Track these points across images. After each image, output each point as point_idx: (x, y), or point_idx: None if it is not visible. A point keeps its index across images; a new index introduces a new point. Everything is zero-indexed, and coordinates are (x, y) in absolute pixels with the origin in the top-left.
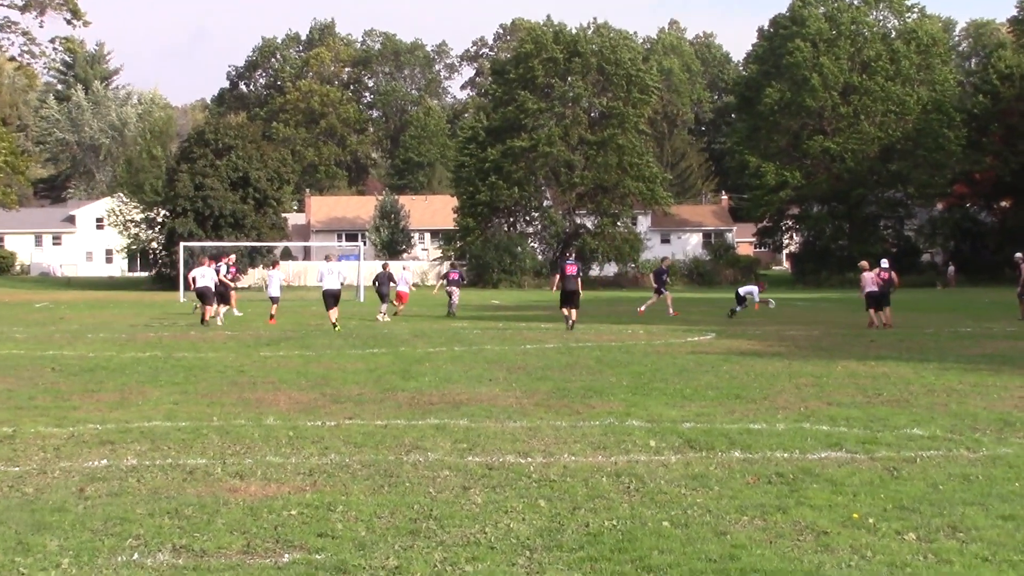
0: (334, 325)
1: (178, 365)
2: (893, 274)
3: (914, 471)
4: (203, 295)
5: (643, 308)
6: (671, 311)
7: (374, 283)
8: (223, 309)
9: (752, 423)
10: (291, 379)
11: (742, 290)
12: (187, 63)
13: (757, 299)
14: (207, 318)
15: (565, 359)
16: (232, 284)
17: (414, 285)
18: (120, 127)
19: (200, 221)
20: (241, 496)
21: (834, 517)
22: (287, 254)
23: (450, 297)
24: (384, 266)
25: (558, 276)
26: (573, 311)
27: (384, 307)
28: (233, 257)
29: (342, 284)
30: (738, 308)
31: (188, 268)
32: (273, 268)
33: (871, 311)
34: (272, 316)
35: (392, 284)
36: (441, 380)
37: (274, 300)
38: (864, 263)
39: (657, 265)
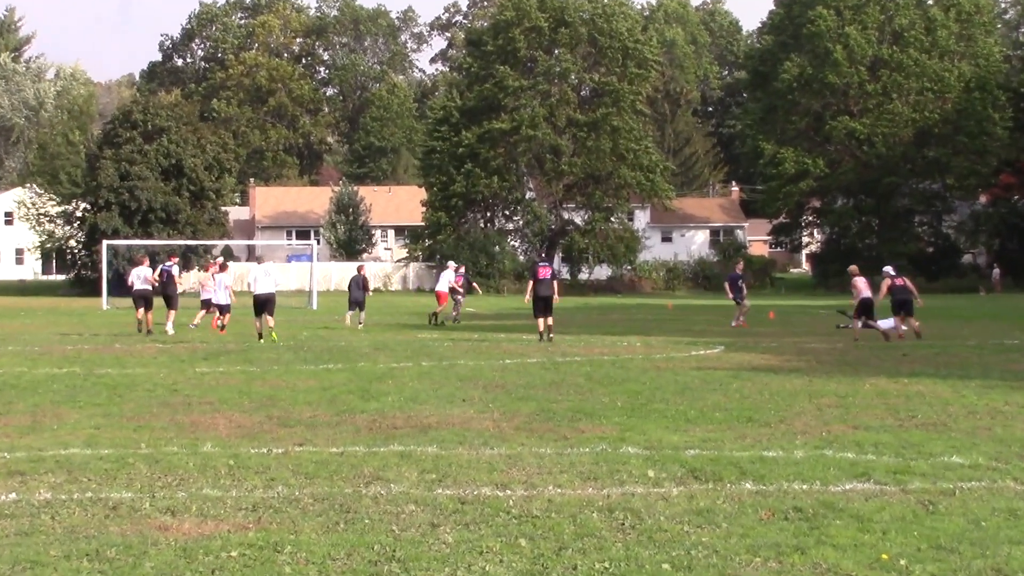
0: (260, 335)
1: (100, 383)
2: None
3: (952, 505)
4: (144, 298)
5: (735, 323)
6: (734, 322)
7: (349, 287)
8: (171, 315)
9: (766, 450)
10: (232, 399)
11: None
12: (113, 32)
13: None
14: (149, 326)
15: (550, 376)
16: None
17: (375, 289)
18: (36, 107)
19: (126, 216)
20: (173, 535)
21: (860, 559)
22: (228, 253)
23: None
24: (359, 268)
25: (532, 282)
26: (548, 319)
27: (349, 314)
28: (221, 259)
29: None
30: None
31: (112, 269)
32: (222, 271)
33: (856, 322)
34: (222, 325)
35: (367, 293)
36: (406, 400)
37: (224, 309)
38: (854, 267)
39: (731, 270)
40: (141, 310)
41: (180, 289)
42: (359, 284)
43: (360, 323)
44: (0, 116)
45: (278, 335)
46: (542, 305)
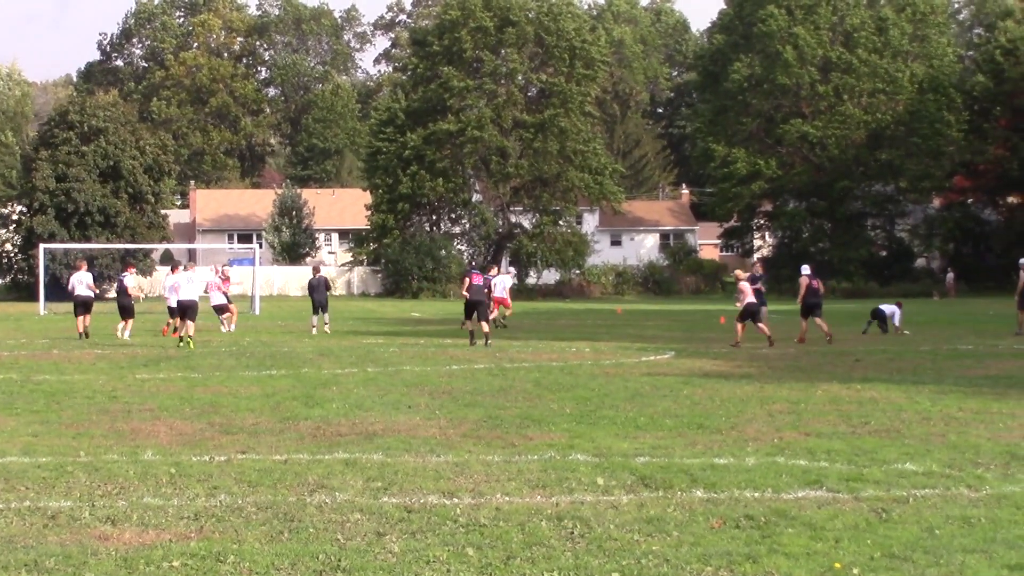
0: (180, 339)
1: (38, 390)
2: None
3: (906, 513)
4: (85, 304)
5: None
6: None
7: (311, 291)
8: (130, 323)
9: (717, 457)
10: (173, 406)
11: (885, 308)
12: (48, 31)
13: (897, 322)
14: (87, 329)
15: (498, 382)
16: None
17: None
18: None
19: (63, 219)
20: (113, 545)
21: (813, 567)
22: (168, 257)
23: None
24: (316, 270)
25: (465, 287)
26: (484, 324)
27: (315, 318)
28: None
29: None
30: (869, 326)
31: (48, 273)
32: (173, 272)
33: (740, 326)
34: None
35: (329, 291)
36: (351, 407)
37: (172, 312)
38: (739, 272)
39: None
40: (81, 316)
41: (136, 299)
42: (323, 286)
43: (326, 325)
44: None
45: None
46: (471, 310)
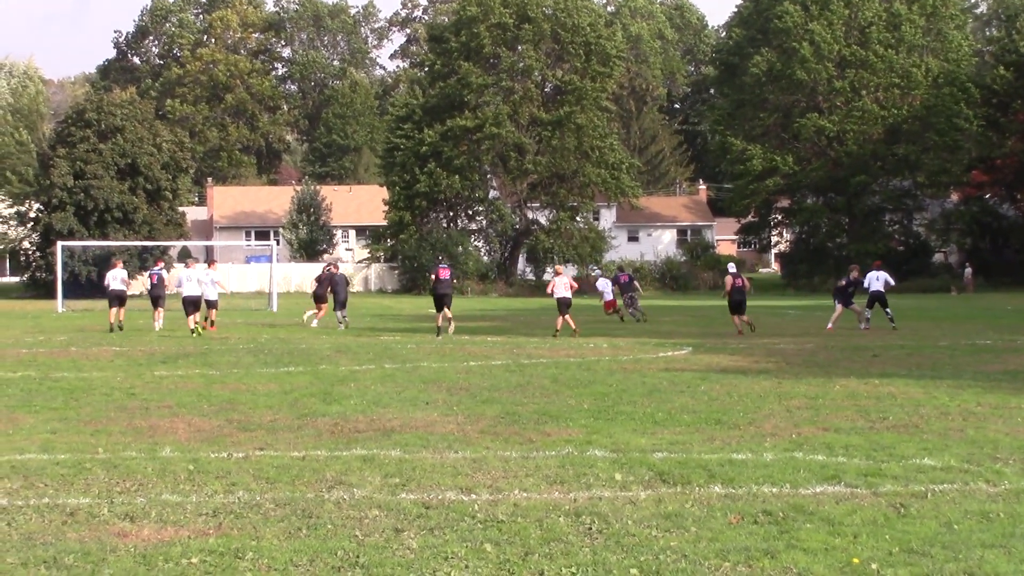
0: (192, 330)
1: (56, 387)
2: (745, 279)
3: (924, 508)
4: (119, 297)
5: (863, 326)
6: (829, 324)
7: (325, 287)
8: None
9: (735, 452)
10: (191, 403)
11: (876, 285)
12: (66, 29)
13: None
14: (121, 321)
15: (515, 378)
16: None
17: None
18: None
19: (82, 216)
20: (132, 541)
21: (831, 562)
22: (186, 254)
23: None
24: (335, 267)
25: (432, 281)
26: (448, 313)
27: (340, 313)
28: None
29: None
30: (868, 317)
31: (67, 270)
32: (188, 268)
33: (735, 318)
34: (212, 322)
35: (349, 288)
36: (369, 403)
37: (211, 305)
38: (595, 272)
39: (846, 275)
40: (115, 309)
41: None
42: (344, 282)
43: (342, 321)
44: None
45: (227, 335)
46: (438, 302)
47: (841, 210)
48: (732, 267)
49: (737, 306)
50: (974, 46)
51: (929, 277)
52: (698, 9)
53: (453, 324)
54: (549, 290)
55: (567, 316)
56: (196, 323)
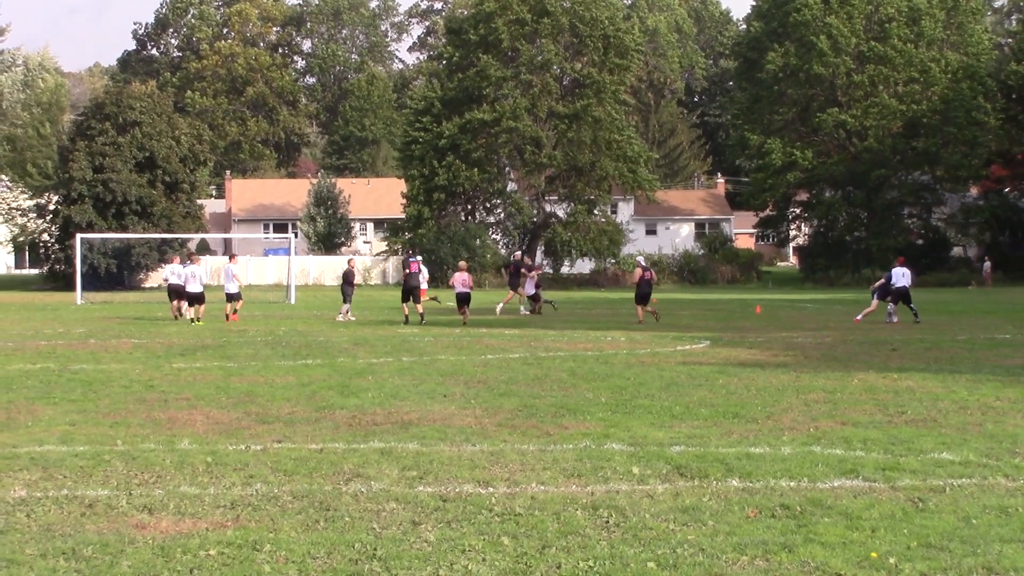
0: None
1: (75, 379)
2: (653, 272)
3: (943, 503)
4: (176, 291)
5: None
6: (858, 316)
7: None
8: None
9: (753, 446)
10: (209, 395)
11: (902, 280)
12: (86, 21)
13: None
14: (181, 313)
15: (533, 371)
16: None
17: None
18: None
19: (100, 209)
20: (150, 533)
21: (849, 556)
22: (204, 247)
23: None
24: (351, 262)
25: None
26: (418, 305)
27: (347, 308)
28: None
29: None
30: (893, 312)
31: (86, 263)
32: (193, 263)
33: (461, 304)
34: (235, 312)
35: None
36: (386, 396)
37: (232, 297)
38: (462, 263)
39: (890, 270)
40: (175, 302)
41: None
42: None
43: (342, 314)
44: None
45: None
46: (406, 293)
47: (860, 204)
48: (642, 260)
49: (643, 297)
50: (994, 39)
51: (948, 271)
52: (721, 3)
53: (424, 317)
54: (451, 283)
55: (466, 309)
56: (180, 313)
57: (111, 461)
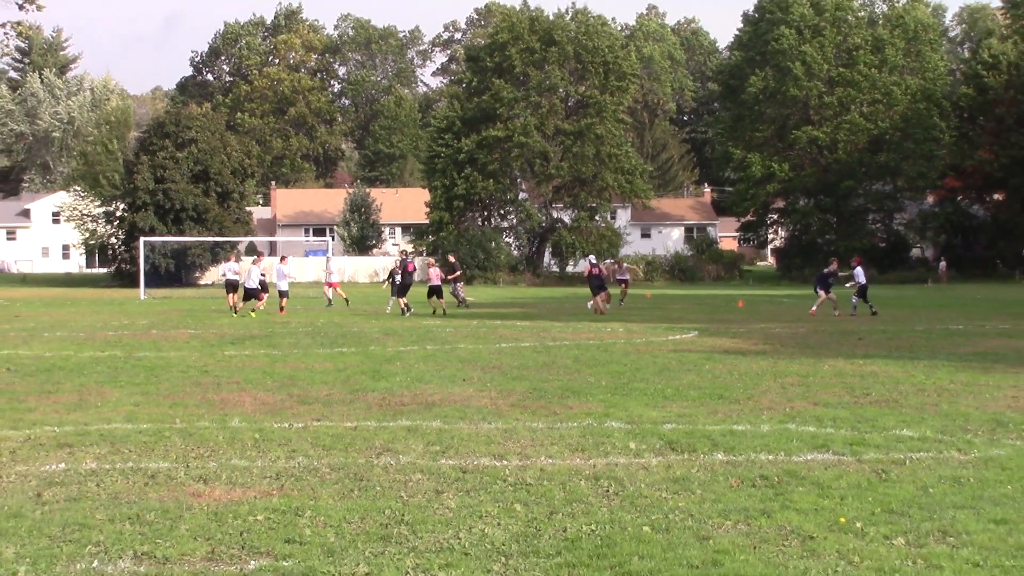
0: (233, 309)
1: (139, 365)
2: (603, 267)
3: (903, 474)
4: (232, 285)
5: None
6: (813, 308)
7: (390, 278)
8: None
9: (736, 424)
10: (257, 379)
11: (860, 276)
12: (149, 50)
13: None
14: (236, 305)
15: (542, 358)
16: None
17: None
18: (70, 118)
19: (161, 215)
20: (205, 501)
21: (820, 521)
22: (252, 249)
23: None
24: (404, 253)
25: (401, 273)
26: (402, 300)
27: (392, 301)
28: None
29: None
30: (857, 305)
31: (148, 262)
32: (280, 263)
33: (430, 295)
34: (282, 308)
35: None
36: (413, 380)
37: (282, 294)
38: (432, 260)
39: (827, 265)
40: (231, 295)
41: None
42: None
43: (399, 305)
44: (44, 128)
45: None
46: (402, 289)
47: (830, 211)
48: (592, 258)
49: (597, 288)
50: (948, 66)
51: (907, 270)
52: (709, 33)
53: (411, 311)
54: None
55: (434, 299)
56: (234, 305)
57: (170, 437)
